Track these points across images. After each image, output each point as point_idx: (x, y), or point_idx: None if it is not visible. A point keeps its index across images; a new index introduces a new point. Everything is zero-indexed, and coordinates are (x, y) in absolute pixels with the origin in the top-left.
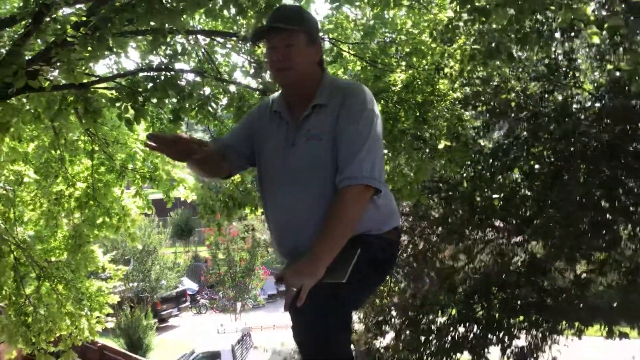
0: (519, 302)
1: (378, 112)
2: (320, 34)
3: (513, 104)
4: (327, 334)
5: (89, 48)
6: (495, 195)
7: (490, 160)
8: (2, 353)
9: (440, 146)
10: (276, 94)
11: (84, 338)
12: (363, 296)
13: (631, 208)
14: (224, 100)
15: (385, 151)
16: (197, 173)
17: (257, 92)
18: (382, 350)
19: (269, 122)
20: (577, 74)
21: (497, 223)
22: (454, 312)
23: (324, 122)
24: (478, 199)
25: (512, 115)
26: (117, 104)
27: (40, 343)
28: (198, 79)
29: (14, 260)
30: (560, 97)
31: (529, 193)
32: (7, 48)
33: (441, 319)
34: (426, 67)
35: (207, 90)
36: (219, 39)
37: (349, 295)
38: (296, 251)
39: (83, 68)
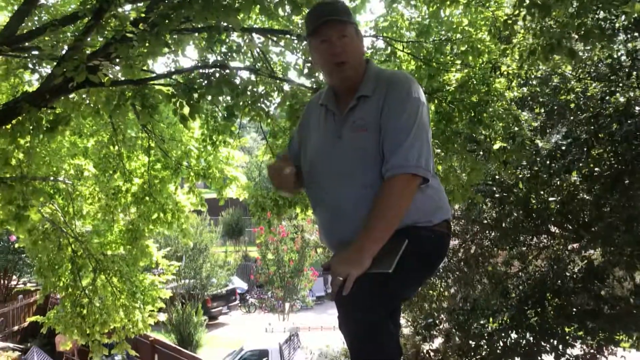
0: (574, 309)
1: (424, 99)
2: (368, 29)
3: (572, 105)
4: (372, 324)
5: (147, 44)
6: (551, 199)
7: (548, 162)
8: (58, 344)
9: (496, 147)
10: (323, 89)
11: (137, 331)
12: (410, 288)
13: None
14: (277, 99)
15: (438, 151)
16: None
17: (311, 91)
18: (430, 354)
19: (317, 116)
20: None
21: (553, 229)
22: (506, 317)
23: (370, 113)
24: (534, 201)
25: (572, 117)
26: (173, 100)
27: (95, 334)
28: (252, 76)
29: (71, 253)
30: (622, 99)
31: (587, 197)
32: (69, 43)
33: (493, 325)
34: (482, 66)
35: (261, 88)
36: (274, 37)
37: (396, 286)
38: (344, 243)
39: (141, 64)
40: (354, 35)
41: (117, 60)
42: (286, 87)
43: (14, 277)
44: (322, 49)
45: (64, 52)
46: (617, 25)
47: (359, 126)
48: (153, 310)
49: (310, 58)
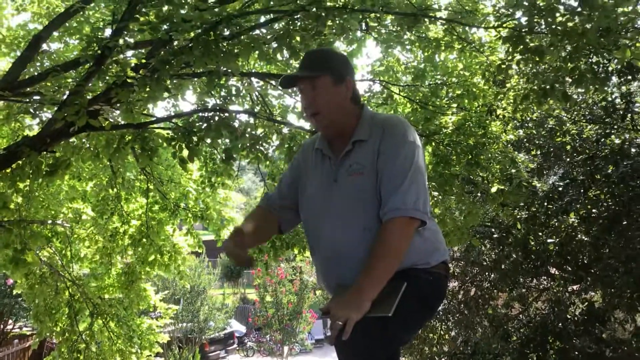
0: (576, 352)
1: (419, 143)
2: (365, 73)
3: (568, 147)
4: None
5: (148, 89)
6: (550, 240)
7: (545, 203)
8: None
9: (493, 190)
10: (319, 133)
11: None
12: (410, 331)
13: None
14: (276, 141)
15: (435, 194)
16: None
17: (309, 133)
18: None
19: (312, 160)
20: (635, 117)
21: (553, 270)
22: None
23: (365, 157)
24: (532, 243)
25: (568, 159)
26: (173, 143)
27: None
28: (251, 119)
29: (69, 297)
30: (617, 140)
31: (586, 238)
32: (70, 88)
33: None
34: (478, 109)
35: (260, 131)
36: (272, 81)
37: (396, 329)
38: (342, 285)
39: (141, 109)
40: (328, 86)
41: (118, 104)
42: (285, 129)
43: (10, 321)
44: (301, 100)
45: (65, 97)
46: (610, 68)
47: (355, 170)
48: (150, 355)
49: None
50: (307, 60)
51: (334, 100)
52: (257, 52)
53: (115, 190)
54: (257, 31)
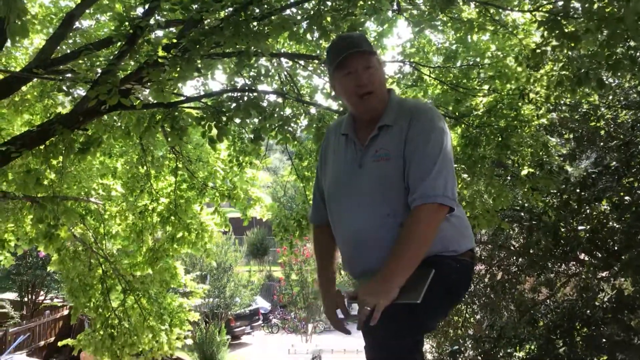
0: (604, 340)
1: (447, 130)
2: (396, 54)
3: (602, 132)
4: (400, 355)
5: (178, 69)
6: (581, 227)
7: (578, 190)
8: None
9: (524, 173)
10: (344, 116)
11: (163, 352)
12: (436, 318)
13: None
14: (304, 121)
15: (465, 176)
16: None
17: (337, 114)
18: None
19: (336, 144)
20: None
21: (582, 256)
22: (533, 347)
23: (391, 143)
24: (563, 230)
25: (602, 143)
26: (202, 123)
27: (124, 356)
28: (280, 100)
29: (102, 273)
30: None
31: (618, 226)
32: (102, 67)
33: (519, 354)
34: (510, 91)
35: (288, 111)
36: (301, 61)
37: (423, 316)
38: (367, 272)
39: (172, 88)
40: (377, 66)
41: (149, 84)
42: (313, 110)
43: (42, 292)
44: (347, 81)
45: (97, 75)
46: None
47: (381, 156)
48: (181, 333)
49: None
50: (352, 40)
51: (383, 82)
52: (287, 32)
53: (145, 168)
54: (288, 11)
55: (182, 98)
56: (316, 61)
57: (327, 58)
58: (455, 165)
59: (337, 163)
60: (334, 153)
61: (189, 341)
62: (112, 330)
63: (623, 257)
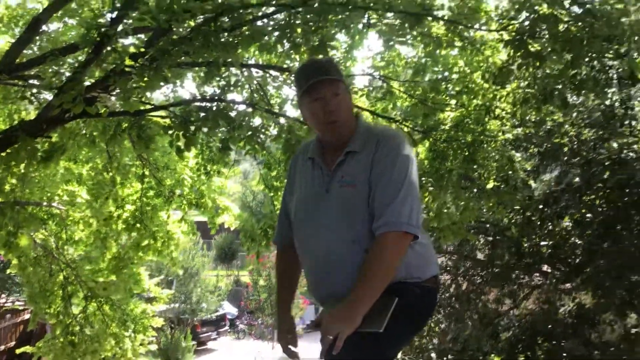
0: (564, 354)
1: (413, 157)
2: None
3: (566, 148)
4: None
5: (146, 78)
6: (543, 243)
7: (541, 207)
8: None
9: (489, 186)
10: (311, 139)
11: (127, 359)
12: (399, 346)
13: None
14: (274, 131)
15: (432, 189)
16: None
17: (306, 125)
18: None
19: (304, 168)
20: (634, 122)
21: (546, 268)
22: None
23: (358, 169)
24: (526, 245)
25: (565, 158)
26: (170, 132)
27: None
28: (249, 110)
29: (63, 280)
30: (615, 145)
31: (579, 242)
32: (67, 74)
33: None
34: (477, 107)
35: (258, 121)
36: (272, 72)
37: (385, 344)
38: (331, 297)
39: (139, 96)
40: (345, 93)
41: (115, 92)
42: (282, 120)
43: (3, 295)
44: (314, 107)
45: (63, 82)
46: (610, 75)
47: (347, 182)
48: (144, 339)
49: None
50: (321, 66)
51: (350, 108)
52: (257, 43)
53: (110, 174)
54: (259, 22)
55: (149, 106)
56: (286, 73)
57: (296, 81)
58: (423, 179)
59: (303, 187)
60: (301, 176)
61: (153, 347)
62: (73, 337)
63: (585, 271)
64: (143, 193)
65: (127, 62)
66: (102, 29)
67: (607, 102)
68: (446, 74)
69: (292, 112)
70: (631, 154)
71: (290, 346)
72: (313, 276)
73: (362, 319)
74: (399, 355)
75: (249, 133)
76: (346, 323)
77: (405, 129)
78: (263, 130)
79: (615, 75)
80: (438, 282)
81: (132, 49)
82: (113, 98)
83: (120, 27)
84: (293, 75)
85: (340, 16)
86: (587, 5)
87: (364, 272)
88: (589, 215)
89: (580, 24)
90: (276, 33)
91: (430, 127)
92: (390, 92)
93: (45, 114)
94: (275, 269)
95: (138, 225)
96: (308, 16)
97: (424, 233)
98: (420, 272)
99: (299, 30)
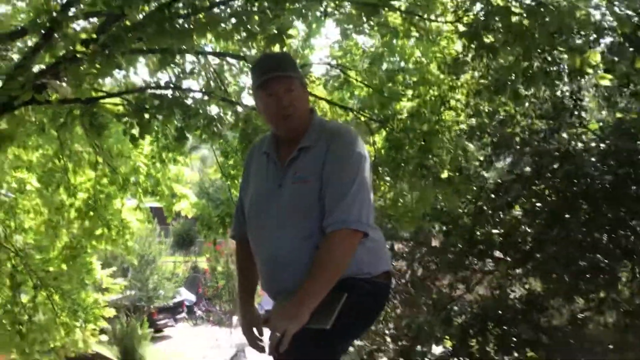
0: (514, 338)
1: (367, 154)
2: (323, 57)
3: (518, 138)
4: None
5: (97, 65)
6: (494, 231)
7: (492, 196)
8: None
9: (443, 176)
10: (267, 134)
11: (77, 349)
12: (349, 341)
13: (633, 250)
14: (231, 119)
15: (387, 179)
16: None
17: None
18: None
19: (259, 163)
20: (583, 114)
21: (498, 254)
22: (449, 344)
23: (310, 165)
24: (478, 233)
25: (518, 147)
26: (123, 120)
27: (34, 354)
28: (205, 98)
29: (11, 268)
30: (565, 135)
31: (529, 230)
32: (15, 60)
33: (436, 352)
34: (433, 97)
35: (214, 110)
36: (229, 59)
37: (334, 340)
38: (283, 293)
39: (91, 83)
40: (300, 88)
41: (66, 78)
42: (239, 108)
43: None
44: (268, 102)
45: (10, 69)
46: (562, 66)
47: (299, 177)
48: (95, 329)
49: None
50: (276, 62)
51: (305, 103)
52: (212, 32)
53: (62, 161)
54: (216, 9)
55: (102, 94)
56: (243, 61)
57: (251, 75)
58: (380, 168)
59: (257, 182)
60: (255, 171)
61: (104, 337)
62: (21, 327)
63: (536, 257)
64: (97, 181)
65: (78, 48)
66: (53, 14)
67: (558, 94)
68: (403, 64)
69: (249, 100)
70: (580, 144)
71: (255, 338)
72: (265, 272)
73: (310, 316)
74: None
75: (205, 122)
76: (293, 320)
77: (362, 118)
78: (220, 120)
79: (565, 68)
80: (390, 277)
81: (83, 35)
82: (64, 85)
83: (71, 12)
84: (250, 64)
85: (297, 5)
86: None
87: (312, 269)
88: (538, 204)
89: (532, 16)
90: (233, 20)
91: (387, 117)
92: (348, 82)
93: None
94: (236, 263)
95: (91, 213)
96: (265, 4)
97: (375, 229)
98: (371, 268)
99: (255, 18)
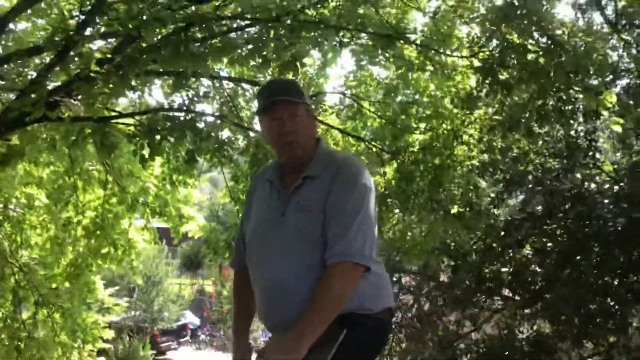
0: None
1: (372, 186)
2: (337, 86)
3: (530, 176)
4: None
5: (111, 85)
6: (504, 269)
7: (502, 234)
8: None
9: (453, 211)
10: (271, 162)
11: None
12: None
13: None
14: (242, 143)
15: (397, 210)
16: None
17: None
18: None
19: (262, 191)
20: (597, 155)
21: (506, 292)
22: None
23: (315, 194)
24: (486, 270)
25: (530, 185)
26: (134, 141)
27: None
28: (217, 121)
29: (14, 283)
30: (578, 176)
31: (539, 269)
32: (30, 77)
33: None
34: (445, 131)
35: (226, 134)
36: (243, 84)
37: None
38: (281, 323)
39: (104, 103)
40: (305, 115)
41: (79, 97)
42: (251, 133)
43: None
44: (272, 127)
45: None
46: (576, 107)
47: (303, 207)
48: (93, 351)
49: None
50: (282, 87)
51: (310, 131)
52: (227, 56)
53: (72, 179)
54: (232, 34)
55: (114, 113)
56: (257, 87)
57: (257, 98)
58: (389, 200)
59: (260, 209)
60: (259, 199)
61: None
62: (19, 343)
63: (545, 297)
64: (105, 200)
65: (93, 67)
66: (69, 32)
67: (572, 133)
68: (417, 96)
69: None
70: (593, 185)
71: None
72: (263, 301)
73: (307, 350)
74: None
75: (216, 145)
76: (290, 354)
77: (374, 149)
78: (231, 143)
79: (580, 107)
80: (392, 313)
81: (98, 55)
82: (77, 103)
83: (88, 32)
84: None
85: (312, 33)
86: (556, 38)
87: (312, 303)
88: (549, 244)
89: (548, 55)
90: (249, 46)
91: (399, 149)
92: (361, 112)
93: (4, 116)
94: (232, 293)
95: (98, 232)
96: (281, 31)
97: (378, 263)
98: (372, 304)
99: (271, 45)
